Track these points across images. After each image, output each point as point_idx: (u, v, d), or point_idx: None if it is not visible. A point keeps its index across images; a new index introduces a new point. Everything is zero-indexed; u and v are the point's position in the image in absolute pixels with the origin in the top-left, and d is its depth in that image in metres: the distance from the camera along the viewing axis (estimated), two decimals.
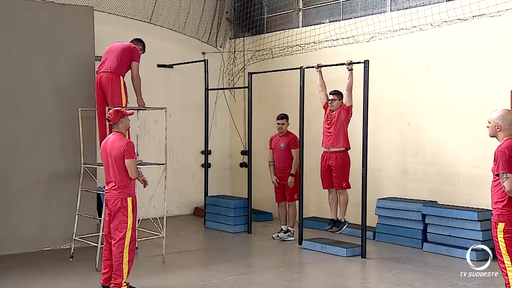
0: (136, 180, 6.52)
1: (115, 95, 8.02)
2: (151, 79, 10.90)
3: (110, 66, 8.10)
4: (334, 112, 8.62)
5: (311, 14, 11.07)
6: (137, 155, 8.62)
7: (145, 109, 8.52)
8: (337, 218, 8.84)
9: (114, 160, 6.30)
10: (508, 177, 4.97)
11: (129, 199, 6.34)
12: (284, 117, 9.45)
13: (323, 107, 8.81)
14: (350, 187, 8.70)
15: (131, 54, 8.27)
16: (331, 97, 8.66)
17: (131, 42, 8.60)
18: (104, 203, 6.59)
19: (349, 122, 8.62)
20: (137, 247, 8.59)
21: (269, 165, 9.62)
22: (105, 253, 6.46)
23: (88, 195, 8.40)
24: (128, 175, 6.33)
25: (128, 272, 6.35)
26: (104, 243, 6.50)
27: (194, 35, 11.92)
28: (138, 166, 6.75)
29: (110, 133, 8.27)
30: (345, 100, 8.51)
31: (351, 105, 8.52)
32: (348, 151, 8.67)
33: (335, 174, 8.64)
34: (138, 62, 8.32)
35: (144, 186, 6.67)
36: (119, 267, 6.27)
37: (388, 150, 9.69)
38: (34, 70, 8.46)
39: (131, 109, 8.42)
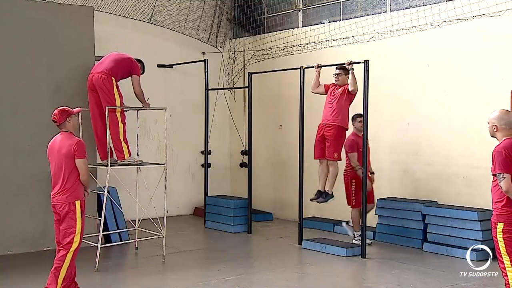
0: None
1: (109, 94, 8.03)
2: (151, 79, 10.90)
3: (103, 67, 8.14)
4: (339, 89, 8.56)
5: (311, 14, 11.07)
6: (137, 154, 8.64)
7: (145, 109, 8.53)
8: (325, 190, 8.74)
9: (63, 160, 5.96)
10: (505, 177, 4.98)
11: (77, 203, 6.01)
12: (362, 115, 8.53)
13: (326, 93, 8.76)
14: (341, 159, 8.61)
15: (130, 66, 8.30)
16: (337, 71, 8.64)
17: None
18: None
19: (351, 103, 8.55)
20: (137, 247, 8.64)
21: (358, 169, 8.60)
22: None
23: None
24: (76, 177, 6.00)
25: (65, 278, 5.96)
26: (57, 250, 6.09)
27: (194, 35, 11.92)
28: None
29: (99, 134, 8.30)
30: (349, 89, 8.45)
31: (355, 94, 8.49)
32: (345, 129, 8.61)
33: (329, 143, 8.53)
34: (139, 76, 8.33)
35: (84, 196, 6.19)
36: (57, 270, 5.93)
37: (388, 150, 9.69)
38: (34, 70, 8.46)
39: (130, 109, 8.47)
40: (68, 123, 6.09)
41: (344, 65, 8.54)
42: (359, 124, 8.61)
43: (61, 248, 5.98)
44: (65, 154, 5.96)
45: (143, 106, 8.39)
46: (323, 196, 8.77)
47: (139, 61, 8.65)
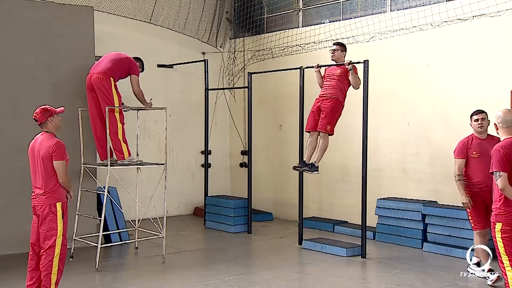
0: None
1: (107, 94, 8.04)
2: (151, 79, 10.90)
3: (102, 68, 8.14)
4: (339, 70, 8.41)
5: (311, 14, 11.08)
6: (137, 154, 8.64)
7: (145, 109, 8.53)
8: (310, 162, 8.49)
9: (42, 161, 5.82)
10: (501, 175, 5.04)
11: (59, 204, 5.84)
12: (484, 111, 7.20)
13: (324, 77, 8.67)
14: (333, 133, 8.40)
15: (129, 65, 8.27)
16: (333, 47, 8.54)
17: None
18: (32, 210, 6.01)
19: (349, 86, 8.39)
20: (137, 247, 8.64)
21: (458, 180, 7.15)
22: (31, 263, 5.94)
23: (88, 195, 8.41)
24: (57, 178, 5.84)
25: (57, 283, 5.86)
26: (30, 252, 5.95)
27: (194, 35, 11.92)
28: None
29: (98, 134, 8.28)
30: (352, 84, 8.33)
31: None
32: (342, 106, 8.42)
33: (323, 115, 8.32)
34: (138, 76, 8.30)
35: (67, 198, 6.03)
36: (47, 277, 5.77)
37: (388, 150, 9.69)
38: (34, 70, 8.46)
39: (130, 109, 8.47)
40: (50, 123, 5.95)
41: (340, 42, 8.47)
42: (475, 124, 7.14)
43: (44, 253, 5.80)
44: (44, 156, 5.82)
45: (144, 106, 8.38)
46: (308, 166, 8.49)
47: (138, 59, 8.64)
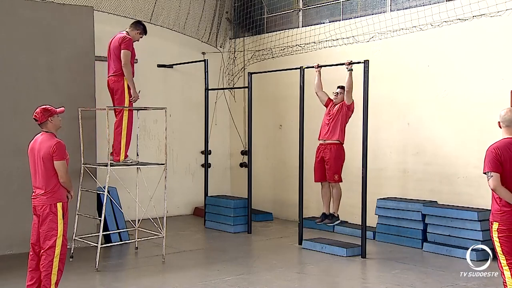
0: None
1: (119, 95, 8.08)
2: (151, 79, 10.91)
3: (113, 69, 8.15)
4: (336, 106, 8.66)
5: (311, 14, 11.07)
6: (137, 154, 8.64)
7: (145, 109, 8.52)
8: (329, 213, 8.87)
9: (42, 161, 5.80)
10: (492, 176, 5.09)
11: (59, 205, 5.83)
12: None
13: (325, 105, 8.83)
14: (341, 181, 8.72)
15: (120, 48, 8.08)
16: (338, 90, 8.72)
17: (130, 25, 8.34)
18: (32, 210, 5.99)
19: (349, 118, 8.66)
20: (137, 247, 8.64)
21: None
22: (31, 263, 5.93)
23: (88, 195, 8.41)
24: (57, 179, 5.83)
25: (57, 284, 5.86)
26: (31, 253, 5.94)
27: (194, 35, 11.92)
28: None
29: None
30: (344, 99, 8.53)
31: (352, 103, 8.55)
32: (343, 146, 8.69)
33: (328, 166, 8.65)
34: (129, 50, 8.06)
35: (67, 198, 6.00)
36: (47, 277, 5.77)
37: (388, 150, 9.69)
38: (34, 70, 8.46)
39: (131, 109, 8.46)
40: (50, 123, 5.93)
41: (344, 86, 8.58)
42: None
43: (44, 254, 5.80)
44: (44, 156, 5.80)
45: (132, 94, 8.11)
46: (329, 218, 8.88)
47: (137, 23, 8.35)
